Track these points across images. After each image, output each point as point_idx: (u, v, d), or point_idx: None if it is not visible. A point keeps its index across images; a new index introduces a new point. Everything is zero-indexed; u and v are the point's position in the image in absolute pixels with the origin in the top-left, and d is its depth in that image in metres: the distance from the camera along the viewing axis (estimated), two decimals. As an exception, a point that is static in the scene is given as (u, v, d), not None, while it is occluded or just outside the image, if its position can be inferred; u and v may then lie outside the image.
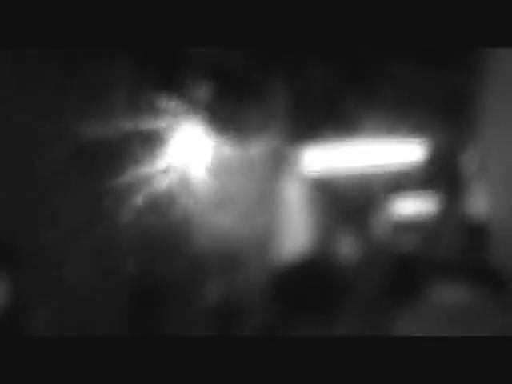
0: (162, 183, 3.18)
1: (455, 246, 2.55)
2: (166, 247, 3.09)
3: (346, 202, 7.70)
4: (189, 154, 4.19)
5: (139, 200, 2.70)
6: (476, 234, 2.56)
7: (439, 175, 6.00)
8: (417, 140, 5.58)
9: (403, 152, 5.96)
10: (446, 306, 1.46)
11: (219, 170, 4.64)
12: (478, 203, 3.96)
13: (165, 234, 3.07)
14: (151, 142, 3.13)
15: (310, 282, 1.87)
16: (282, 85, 4.46)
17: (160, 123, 3.30)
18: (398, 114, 4.71)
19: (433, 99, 4.47)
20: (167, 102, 3.12)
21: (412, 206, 8.60)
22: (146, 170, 2.97)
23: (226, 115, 4.23)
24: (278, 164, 6.32)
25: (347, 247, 4.38)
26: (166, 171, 3.33)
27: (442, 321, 1.42)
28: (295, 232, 6.57)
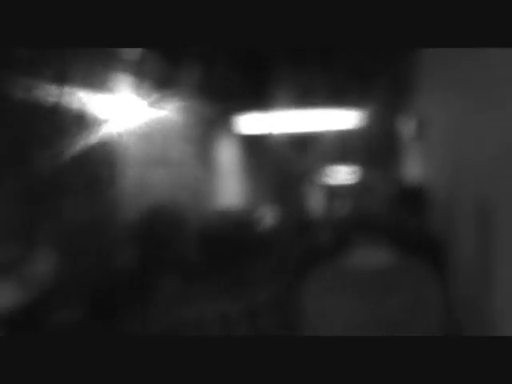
0: (104, 145, 3.21)
1: (389, 211, 2.56)
2: (102, 203, 3.11)
3: (280, 166, 7.77)
4: (127, 118, 4.10)
5: (78, 160, 2.70)
6: (412, 198, 2.59)
7: (376, 141, 6.13)
8: (354, 107, 5.66)
9: (341, 119, 6.03)
10: (367, 269, 1.46)
11: (156, 132, 4.58)
12: (415, 168, 4.07)
13: (101, 192, 3.08)
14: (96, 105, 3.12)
15: (230, 240, 1.88)
16: (222, 53, 4.37)
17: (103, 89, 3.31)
18: (337, 84, 4.74)
19: (372, 70, 4.51)
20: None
21: (348, 172, 8.78)
22: (90, 130, 2.99)
23: (164, 80, 4.13)
24: (214, 126, 6.26)
25: (274, 210, 4.38)
26: (107, 134, 3.35)
27: (360, 283, 1.44)
28: (227, 192, 6.59)
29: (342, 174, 8.67)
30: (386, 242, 1.50)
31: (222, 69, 4.59)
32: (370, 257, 1.48)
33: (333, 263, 1.54)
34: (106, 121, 3.51)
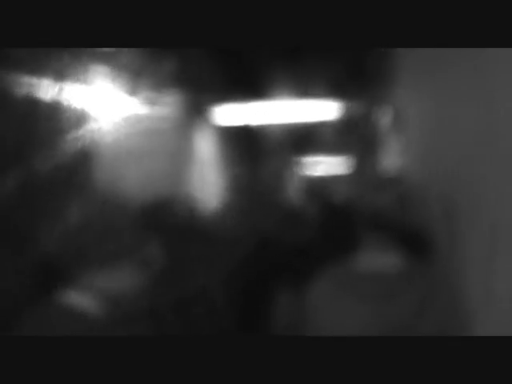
0: (84, 141, 3.23)
1: (372, 205, 2.57)
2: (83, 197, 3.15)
3: (257, 158, 7.75)
4: (107, 112, 4.04)
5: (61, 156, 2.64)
6: (392, 191, 2.59)
7: (354, 133, 6.15)
8: (332, 99, 5.67)
9: (320, 111, 6.03)
10: (375, 273, 1.40)
11: (135, 125, 4.53)
12: (393, 160, 4.10)
13: (83, 186, 3.12)
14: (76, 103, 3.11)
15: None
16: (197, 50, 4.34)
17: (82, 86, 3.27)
18: (314, 74, 4.74)
19: (349, 64, 4.53)
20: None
21: (326, 164, 8.82)
22: (70, 128, 3.02)
23: (141, 73, 4.08)
24: (191, 119, 6.21)
25: (248, 203, 4.34)
26: (87, 130, 3.35)
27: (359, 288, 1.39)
28: (205, 184, 6.56)
29: (329, 166, 8.68)
30: (394, 243, 1.42)
31: (198, 61, 4.56)
32: (379, 260, 1.42)
33: (340, 266, 1.47)
34: (84, 114, 3.47)
